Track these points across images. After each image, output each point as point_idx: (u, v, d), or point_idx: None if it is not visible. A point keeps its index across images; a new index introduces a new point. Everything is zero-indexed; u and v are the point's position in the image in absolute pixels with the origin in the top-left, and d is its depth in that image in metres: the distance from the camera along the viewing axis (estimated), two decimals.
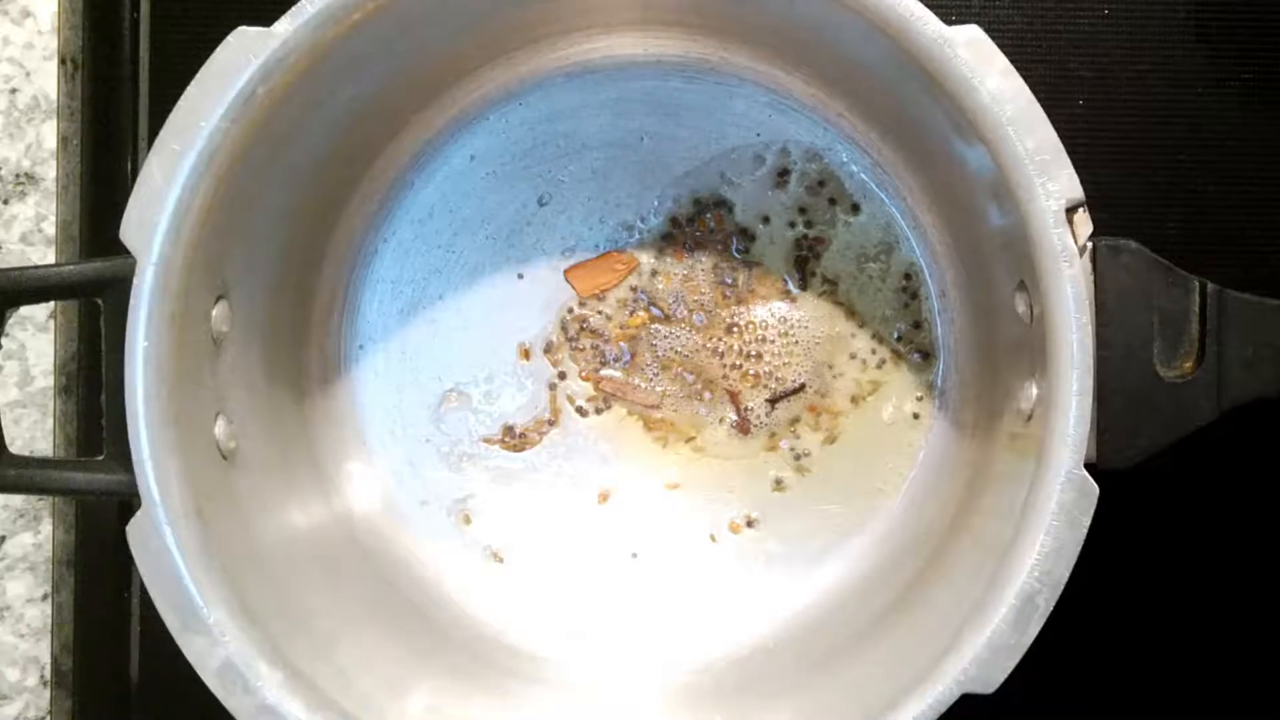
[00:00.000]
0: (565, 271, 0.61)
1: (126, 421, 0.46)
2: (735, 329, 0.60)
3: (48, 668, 0.61)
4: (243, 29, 0.46)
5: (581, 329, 0.60)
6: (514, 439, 0.61)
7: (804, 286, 0.60)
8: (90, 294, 0.48)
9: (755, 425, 0.60)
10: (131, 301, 0.46)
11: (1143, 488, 0.56)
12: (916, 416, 0.60)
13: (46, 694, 0.61)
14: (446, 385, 0.61)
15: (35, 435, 0.61)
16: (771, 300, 0.60)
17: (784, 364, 0.60)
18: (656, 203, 0.61)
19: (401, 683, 0.52)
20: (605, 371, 0.60)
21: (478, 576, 0.60)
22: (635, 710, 0.57)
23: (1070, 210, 0.45)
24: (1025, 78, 0.46)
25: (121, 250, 0.46)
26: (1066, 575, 0.44)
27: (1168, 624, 0.61)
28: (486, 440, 0.61)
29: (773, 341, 0.60)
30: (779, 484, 0.60)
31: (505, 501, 0.61)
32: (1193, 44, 0.61)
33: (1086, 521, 0.44)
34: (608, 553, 0.61)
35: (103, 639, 0.62)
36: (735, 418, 0.60)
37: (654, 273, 0.61)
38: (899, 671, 0.47)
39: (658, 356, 0.60)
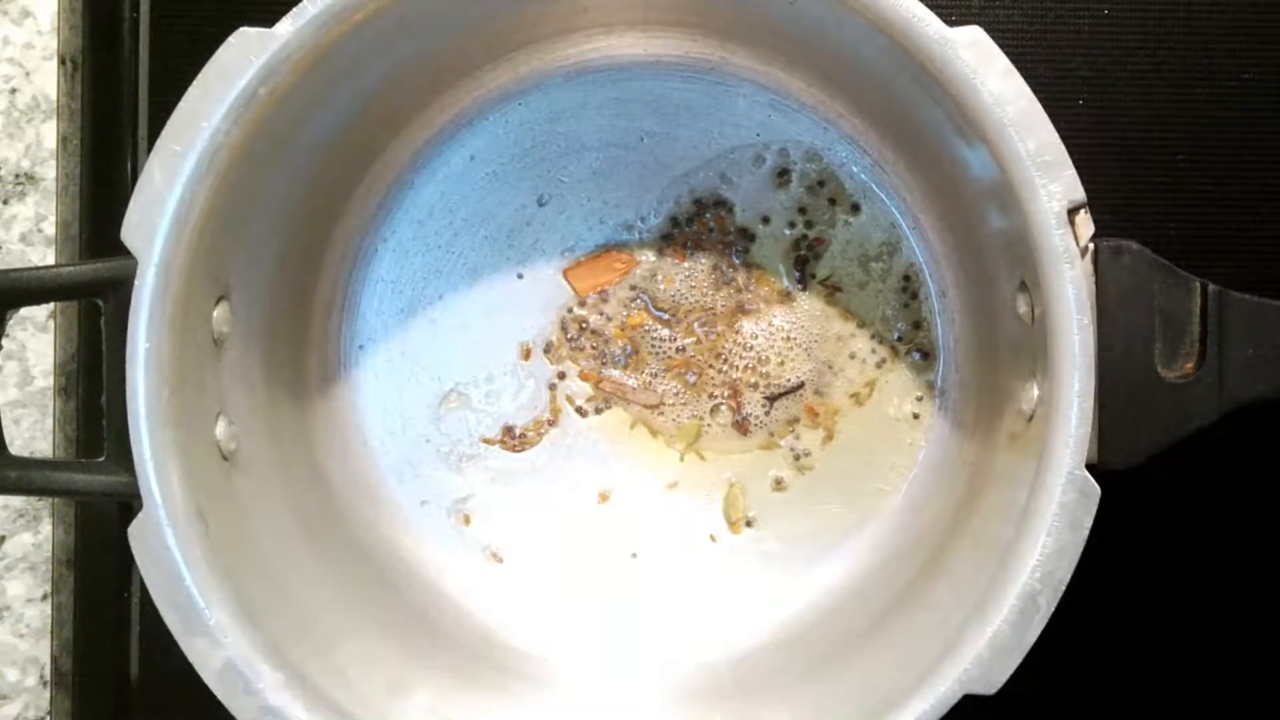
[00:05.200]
0: (564, 271, 0.61)
1: (128, 423, 0.46)
2: (735, 329, 0.60)
3: (47, 668, 0.61)
4: (244, 30, 0.46)
5: (581, 329, 0.60)
6: (514, 439, 0.61)
7: (804, 286, 0.60)
8: (91, 295, 0.48)
9: (755, 425, 0.60)
10: (133, 303, 0.46)
11: (1144, 488, 0.56)
12: (916, 416, 0.60)
13: (46, 694, 0.61)
14: (446, 385, 0.61)
15: (35, 435, 0.61)
16: (771, 300, 0.60)
17: (784, 364, 0.60)
18: (656, 203, 0.61)
19: (401, 683, 0.52)
20: (605, 371, 0.60)
21: (478, 576, 0.60)
22: (635, 710, 0.57)
23: (1072, 211, 0.45)
24: (1025, 78, 0.46)
25: (122, 251, 0.46)
26: (1068, 576, 0.44)
27: (1168, 624, 0.61)
28: (486, 440, 0.61)
29: (773, 341, 0.60)
30: (779, 484, 0.60)
31: (505, 501, 0.61)
32: (1192, 44, 0.61)
33: (1088, 522, 0.44)
34: (608, 553, 0.61)
35: (103, 639, 0.62)
36: (735, 418, 0.60)
37: (654, 273, 0.61)
38: (900, 672, 0.47)
39: (658, 356, 0.60)
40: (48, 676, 0.61)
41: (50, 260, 0.61)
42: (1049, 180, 0.45)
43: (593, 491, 0.61)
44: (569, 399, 0.61)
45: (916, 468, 0.60)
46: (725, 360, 0.60)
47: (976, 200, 0.51)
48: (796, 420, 0.60)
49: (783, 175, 0.60)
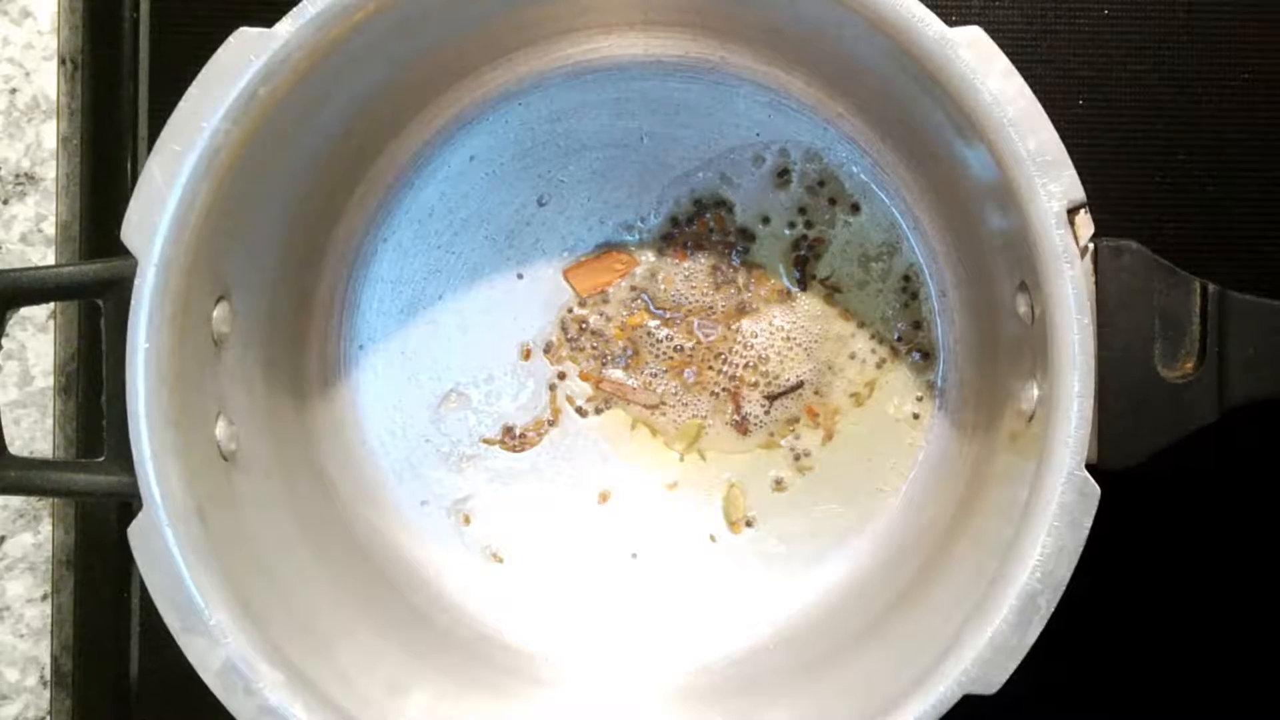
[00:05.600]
0: (564, 271, 0.61)
1: (127, 423, 0.46)
2: (735, 329, 0.60)
3: (47, 668, 0.61)
4: (244, 30, 0.46)
5: (581, 329, 0.60)
6: (514, 439, 0.61)
7: (804, 287, 0.60)
8: (91, 295, 0.48)
9: (755, 425, 0.60)
10: (132, 303, 0.46)
11: (1143, 488, 0.56)
12: (916, 416, 0.60)
13: (46, 694, 0.61)
14: (446, 385, 0.61)
15: (35, 435, 0.61)
16: (771, 300, 0.60)
17: (784, 364, 0.60)
18: (656, 203, 0.61)
19: (401, 683, 0.52)
20: (605, 372, 0.60)
21: (477, 576, 0.60)
22: (635, 710, 0.57)
23: (1072, 211, 0.45)
24: (1025, 78, 0.46)
25: (122, 251, 0.46)
26: (1068, 576, 0.44)
27: (1168, 624, 0.61)
28: (486, 441, 0.61)
29: (773, 342, 0.60)
30: (779, 484, 0.60)
31: (505, 501, 0.61)
32: (1192, 44, 0.61)
33: (1088, 522, 0.44)
34: (608, 553, 0.61)
35: (103, 639, 0.62)
36: (735, 418, 0.60)
37: (654, 273, 0.61)
38: (900, 672, 0.47)
39: (657, 356, 0.60)
40: (48, 676, 0.61)
41: (50, 260, 0.61)
42: (1049, 180, 0.45)
43: (593, 491, 0.61)
44: (569, 399, 0.61)
45: (916, 468, 0.60)
46: (725, 360, 0.60)
47: (976, 200, 0.51)
48: (796, 420, 0.60)
49: (783, 175, 0.60)
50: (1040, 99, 0.46)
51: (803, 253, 0.60)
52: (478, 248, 0.61)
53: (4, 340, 0.54)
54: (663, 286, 0.61)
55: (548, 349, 0.61)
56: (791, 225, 0.60)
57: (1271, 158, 0.60)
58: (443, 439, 0.61)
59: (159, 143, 0.46)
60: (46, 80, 0.61)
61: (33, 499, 0.61)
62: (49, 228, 0.61)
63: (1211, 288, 0.47)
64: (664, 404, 0.60)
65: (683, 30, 0.58)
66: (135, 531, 0.46)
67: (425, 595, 0.59)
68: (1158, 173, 0.60)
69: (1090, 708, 0.61)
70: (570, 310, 0.61)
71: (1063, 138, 0.45)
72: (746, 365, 0.60)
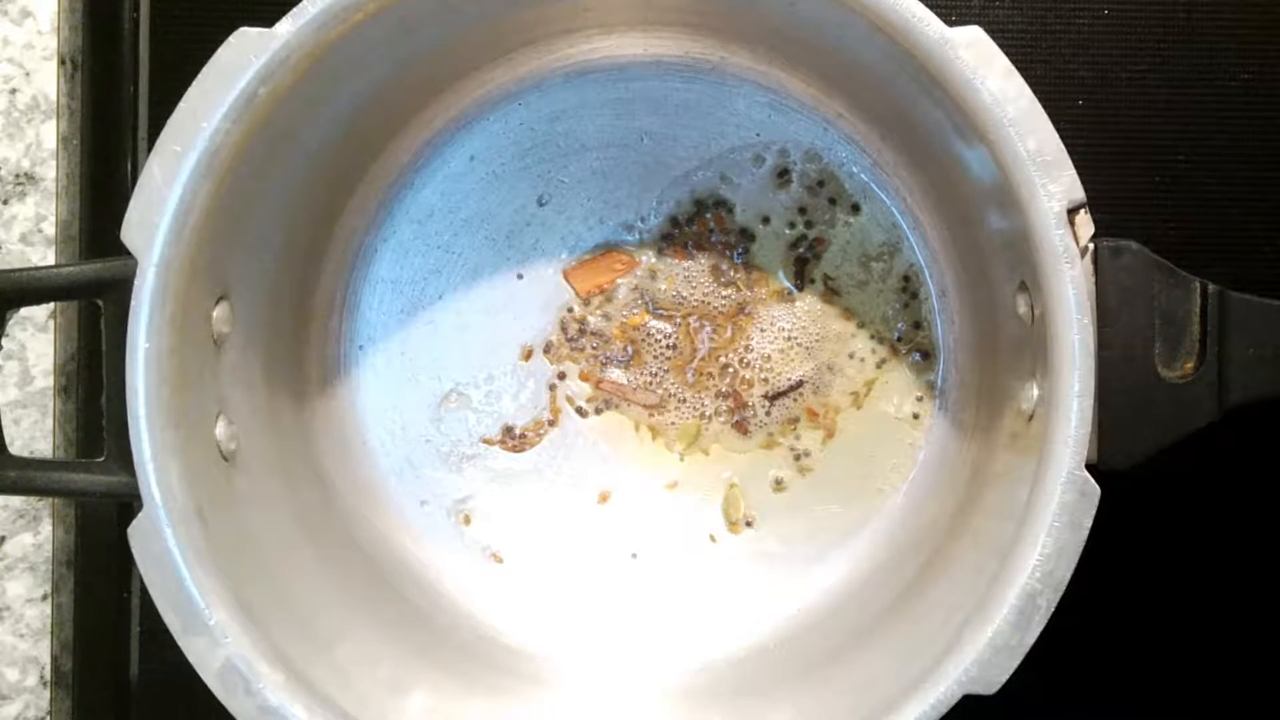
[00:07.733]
0: (564, 271, 0.61)
1: (127, 423, 0.46)
2: (735, 329, 0.60)
3: (47, 668, 0.61)
4: (244, 29, 0.46)
5: (581, 329, 0.60)
6: (514, 439, 0.61)
7: (803, 287, 0.60)
8: (91, 295, 0.48)
9: (755, 425, 0.60)
10: (132, 303, 0.46)
11: (1143, 488, 0.56)
12: (916, 416, 0.60)
13: (46, 694, 0.61)
14: (446, 385, 0.61)
15: (35, 435, 0.61)
16: (771, 300, 0.60)
17: (784, 364, 0.60)
18: (656, 203, 0.61)
19: (401, 683, 0.52)
20: (605, 372, 0.60)
21: (477, 577, 0.60)
22: (635, 710, 0.57)
23: (1072, 211, 0.45)
24: (1025, 78, 0.46)
25: (122, 251, 0.46)
26: (1068, 576, 0.44)
27: (1168, 624, 0.61)
28: (486, 441, 0.61)
29: (773, 342, 0.60)
30: (779, 484, 0.60)
31: (505, 501, 0.61)
32: (1192, 44, 0.61)
33: (1088, 522, 0.44)
34: (608, 553, 0.61)
35: (103, 639, 0.62)
36: (735, 417, 0.60)
37: (654, 273, 0.61)
38: (900, 672, 0.47)
39: (658, 357, 0.60)
40: (48, 676, 0.61)
41: (50, 260, 0.61)
42: (1049, 180, 0.45)
43: (593, 491, 0.61)
44: (569, 399, 0.61)
45: (916, 468, 0.60)
46: (725, 360, 0.60)
47: (976, 200, 0.51)
48: (796, 420, 0.60)
49: (783, 175, 0.60)
50: (1040, 99, 0.46)
51: (803, 253, 0.60)
52: (478, 248, 0.61)
53: (4, 340, 0.54)
54: (663, 286, 0.61)
55: (548, 349, 0.61)
56: (792, 225, 0.60)
57: (1271, 158, 0.60)
58: (443, 439, 0.61)
59: (159, 143, 0.46)
60: (46, 80, 0.61)
61: (33, 499, 0.61)
62: (49, 228, 0.61)
63: (1211, 288, 0.47)
64: (664, 404, 0.60)
65: (683, 30, 0.58)
66: (135, 531, 0.46)
67: (425, 595, 0.59)
68: (1158, 173, 0.60)
69: (1090, 707, 0.61)
70: (570, 310, 0.61)
71: (1063, 138, 0.45)
72: (747, 365, 0.60)
